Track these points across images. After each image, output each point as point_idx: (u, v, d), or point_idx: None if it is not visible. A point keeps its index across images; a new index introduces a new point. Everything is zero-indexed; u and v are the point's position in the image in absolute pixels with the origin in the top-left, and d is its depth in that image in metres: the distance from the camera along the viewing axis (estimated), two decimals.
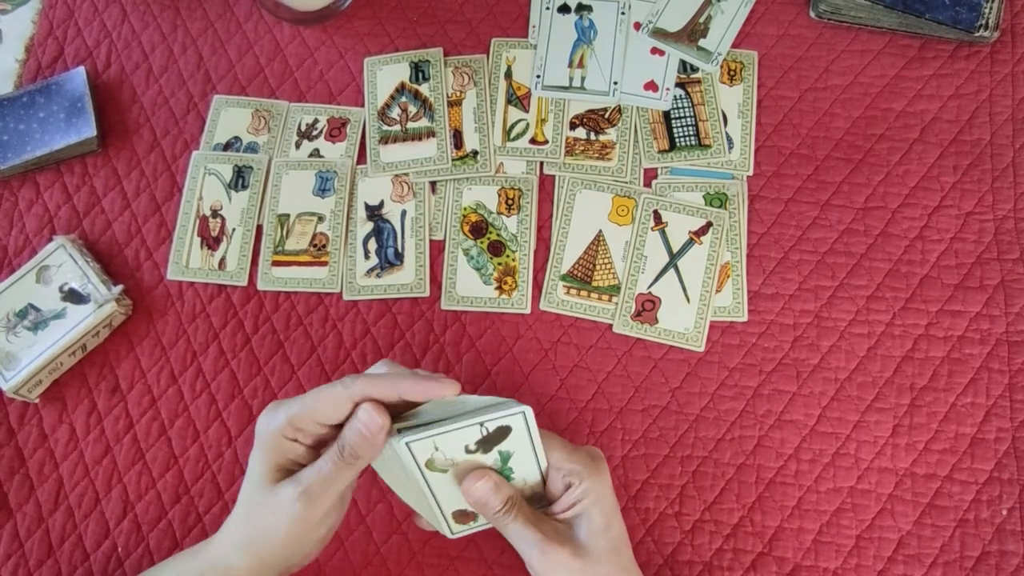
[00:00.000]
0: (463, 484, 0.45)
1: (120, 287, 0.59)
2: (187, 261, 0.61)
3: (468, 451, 0.44)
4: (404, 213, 0.62)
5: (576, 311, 0.59)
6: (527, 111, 0.63)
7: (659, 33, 0.64)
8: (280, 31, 0.66)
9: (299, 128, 0.64)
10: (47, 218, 0.62)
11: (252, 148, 0.63)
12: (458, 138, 0.63)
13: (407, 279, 0.60)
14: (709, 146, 0.62)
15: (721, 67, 0.63)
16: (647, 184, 0.62)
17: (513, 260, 0.60)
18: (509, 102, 0.64)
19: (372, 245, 0.61)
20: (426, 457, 0.43)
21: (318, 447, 0.45)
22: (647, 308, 0.59)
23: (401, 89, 0.64)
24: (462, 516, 0.48)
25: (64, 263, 0.59)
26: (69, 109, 0.63)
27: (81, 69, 0.64)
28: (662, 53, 0.64)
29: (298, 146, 0.63)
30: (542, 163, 0.62)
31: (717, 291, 0.59)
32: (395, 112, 0.64)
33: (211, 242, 0.61)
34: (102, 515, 0.56)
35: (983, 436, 0.55)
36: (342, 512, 0.47)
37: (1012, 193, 0.60)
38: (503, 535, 0.46)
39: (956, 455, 0.55)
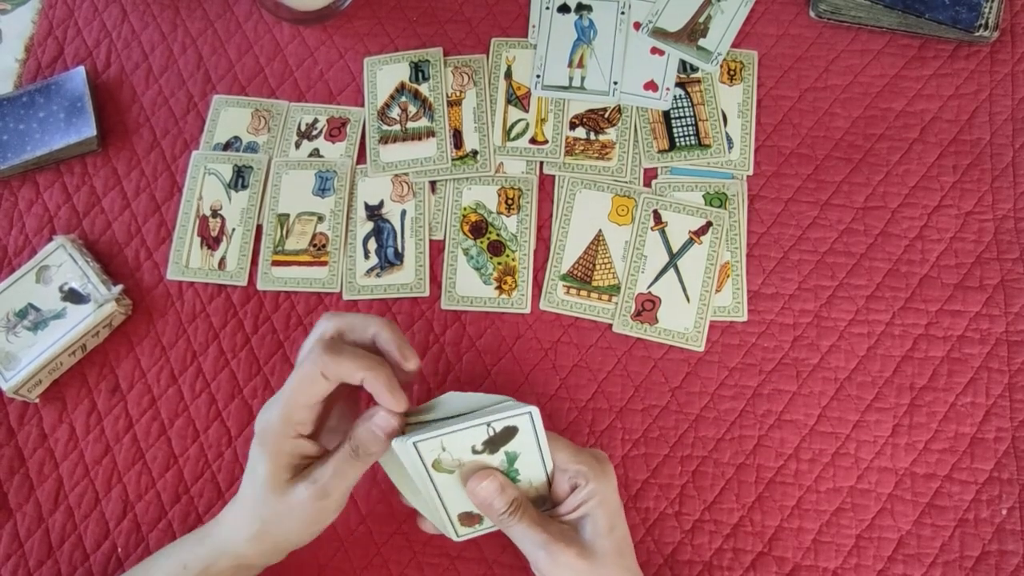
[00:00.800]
0: (468, 484, 0.45)
1: (120, 287, 0.59)
2: (187, 261, 0.61)
3: (475, 452, 0.44)
4: (404, 213, 0.62)
5: (576, 311, 0.59)
6: (527, 111, 0.63)
7: (659, 33, 0.64)
8: (280, 31, 0.66)
9: (299, 128, 0.64)
10: (47, 218, 0.62)
11: (252, 148, 0.63)
12: (458, 138, 0.63)
13: (407, 279, 0.60)
14: (709, 146, 0.62)
15: (721, 67, 0.63)
16: (647, 184, 0.62)
17: (513, 260, 0.60)
18: (509, 102, 0.64)
19: (372, 245, 0.61)
20: (433, 457, 0.44)
21: (317, 434, 0.47)
22: (647, 308, 0.59)
23: (401, 89, 0.64)
24: (468, 518, 0.48)
25: (64, 263, 0.59)
26: (69, 109, 0.62)
27: (81, 69, 0.64)
28: (662, 53, 0.64)
29: (298, 146, 0.63)
30: (542, 163, 0.62)
31: (717, 291, 0.59)
32: (395, 112, 0.64)
33: (211, 242, 0.61)
34: (102, 515, 0.56)
35: (983, 436, 0.55)
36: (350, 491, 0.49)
37: (1012, 193, 0.60)
38: (508, 536, 0.46)
39: (956, 455, 0.55)
